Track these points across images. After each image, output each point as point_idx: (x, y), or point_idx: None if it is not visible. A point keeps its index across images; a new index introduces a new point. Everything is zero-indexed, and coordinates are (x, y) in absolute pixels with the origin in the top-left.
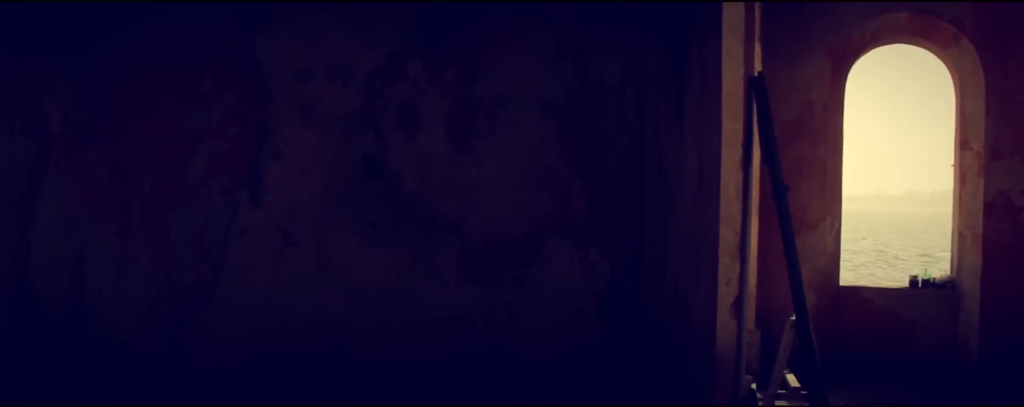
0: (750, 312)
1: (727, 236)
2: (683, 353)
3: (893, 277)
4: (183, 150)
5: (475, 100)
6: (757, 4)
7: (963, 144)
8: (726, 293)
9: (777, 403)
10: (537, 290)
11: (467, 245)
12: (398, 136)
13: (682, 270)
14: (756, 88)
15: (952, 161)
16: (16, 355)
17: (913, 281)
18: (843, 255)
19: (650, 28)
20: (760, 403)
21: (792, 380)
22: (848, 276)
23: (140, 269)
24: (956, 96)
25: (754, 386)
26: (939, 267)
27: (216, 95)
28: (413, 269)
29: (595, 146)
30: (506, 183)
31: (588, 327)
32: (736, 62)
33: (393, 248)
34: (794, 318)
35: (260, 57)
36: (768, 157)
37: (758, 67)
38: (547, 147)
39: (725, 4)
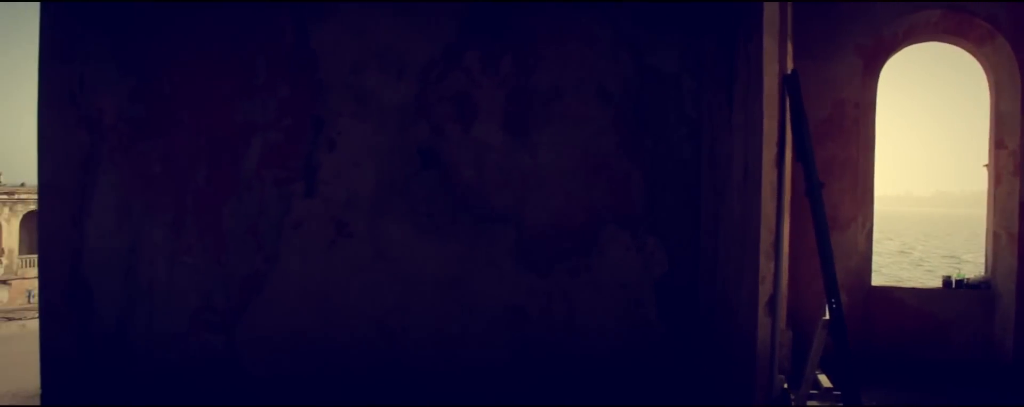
0: (782, 312)
1: (764, 234)
2: (730, 349)
3: (918, 278)
4: (237, 142)
5: (531, 91)
6: (789, 3)
7: (998, 143)
8: (762, 291)
9: (809, 404)
10: (594, 279)
11: (523, 235)
12: (453, 127)
13: (729, 264)
14: (790, 85)
15: (985, 161)
16: (69, 346)
17: (946, 281)
18: None
19: (704, 21)
20: (793, 403)
21: (824, 380)
22: (872, 277)
23: (193, 260)
24: (991, 95)
25: (786, 386)
26: (965, 270)
27: (270, 87)
28: (469, 259)
29: (652, 136)
30: (562, 173)
31: (644, 316)
32: (772, 60)
33: (448, 238)
34: (827, 318)
35: (315, 49)
36: (802, 154)
37: (790, 66)
38: (603, 137)
39: (765, 3)
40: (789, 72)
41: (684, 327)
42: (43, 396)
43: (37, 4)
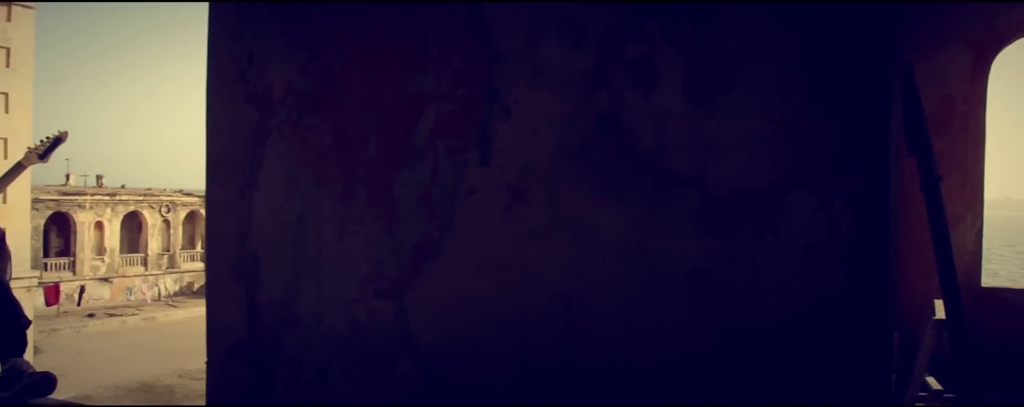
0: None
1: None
2: (886, 326)
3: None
4: (408, 113)
5: (713, 56)
6: None
7: None
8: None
9: (917, 406)
10: (778, 242)
11: (706, 199)
12: (633, 94)
13: (895, 236)
14: (905, 75)
15: None
16: (236, 314)
17: None
18: None
19: None
20: (903, 404)
21: (933, 383)
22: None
23: (363, 229)
24: None
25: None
26: None
27: (444, 59)
28: (649, 223)
29: (839, 98)
30: (746, 137)
31: (830, 278)
32: None
33: (628, 203)
34: (937, 317)
35: (489, 19)
36: (919, 146)
37: None
38: (788, 101)
39: None
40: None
41: (870, 290)
42: (209, 364)
43: None
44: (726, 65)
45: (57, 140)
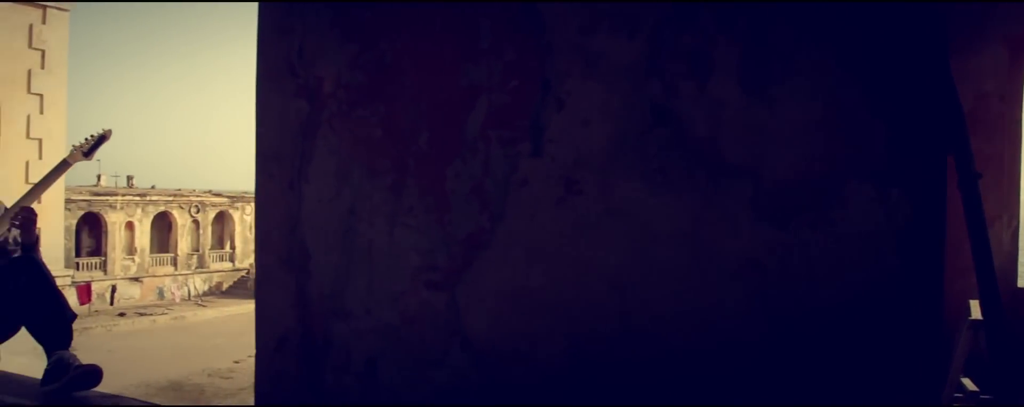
0: None
1: None
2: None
3: None
4: (460, 105)
5: (767, 47)
6: None
7: None
8: None
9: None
10: (834, 231)
11: (760, 188)
12: (687, 84)
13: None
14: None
15: None
16: (285, 306)
17: None
18: None
19: None
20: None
21: (968, 384)
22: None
23: (414, 221)
24: None
25: None
26: None
27: (496, 51)
28: (703, 214)
29: (896, 88)
30: (801, 127)
31: (886, 268)
32: None
33: (682, 193)
34: (973, 318)
35: (542, 11)
36: (956, 144)
37: None
38: (844, 91)
39: None
40: None
41: (926, 279)
42: (258, 354)
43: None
44: (781, 56)
45: (101, 138)
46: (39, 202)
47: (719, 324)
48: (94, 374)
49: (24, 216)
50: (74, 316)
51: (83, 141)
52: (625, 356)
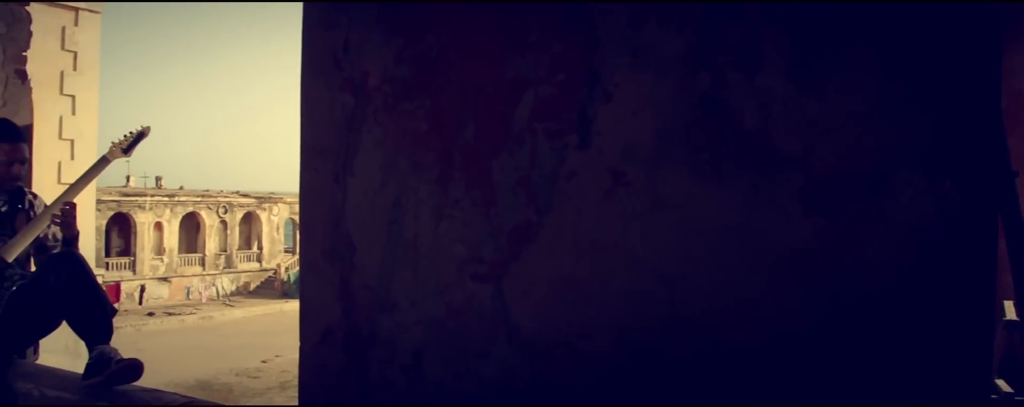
0: None
1: None
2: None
3: None
4: (507, 98)
5: (818, 37)
6: None
7: None
8: None
9: None
10: (884, 222)
11: (810, 179)
12: (736, 76)
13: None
14: None
15: None
16: (330, 298)
17: None
18: None
19: None
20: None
21: (1003, 385)
22: None
23: (460, 213)
24: None
25: None
26: None
27: (543, 44)
28: (752, 205)
29: (949, 78)
30: (852, 118)
31: (938, 260)
32: None
33: (731, 185)
34: (1007, 319)
35: (590, 5)
36: (994, 141)
37: None
38: (895, 82)
39: None
40: None
41: (979, 271)
42: (302, 347)
43: None
44: (831, 47)
45: (140, 134)
46: (75, 201)
47: (766, 316)
48: (135, 368)
49: (65, 211)
50: (115, 311)
51: (122, 138)
52: (673, 348)
